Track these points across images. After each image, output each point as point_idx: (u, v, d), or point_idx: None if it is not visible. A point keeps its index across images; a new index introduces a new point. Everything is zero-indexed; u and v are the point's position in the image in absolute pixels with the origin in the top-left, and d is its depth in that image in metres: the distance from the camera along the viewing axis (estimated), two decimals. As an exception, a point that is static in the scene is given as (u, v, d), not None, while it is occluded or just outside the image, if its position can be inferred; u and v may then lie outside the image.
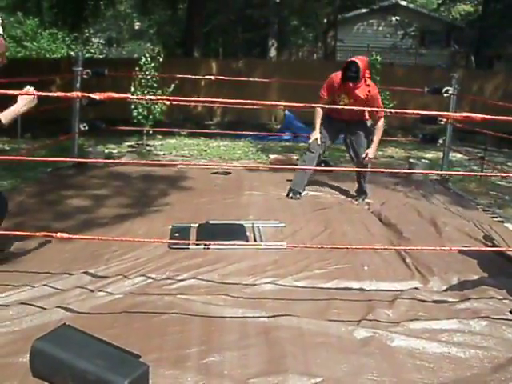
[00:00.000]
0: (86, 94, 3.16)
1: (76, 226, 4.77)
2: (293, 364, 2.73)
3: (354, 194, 6.18)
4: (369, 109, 5.64)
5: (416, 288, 3.74)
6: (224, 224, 4.92)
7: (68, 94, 2.98)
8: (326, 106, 5.79)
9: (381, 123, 5.86)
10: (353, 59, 5.60)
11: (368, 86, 5.67)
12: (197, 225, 4.83)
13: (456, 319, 3.28)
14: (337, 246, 4.38)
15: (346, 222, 5.20)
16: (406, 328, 3.17)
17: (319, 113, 5.90)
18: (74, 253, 4.13)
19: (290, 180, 6.21)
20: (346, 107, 5.62)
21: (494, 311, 3.43)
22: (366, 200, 6.02)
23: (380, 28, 28.46)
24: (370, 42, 26.24)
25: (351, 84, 5.57)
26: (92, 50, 28.78)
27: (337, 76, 5.72)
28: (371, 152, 5.84)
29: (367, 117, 6.09)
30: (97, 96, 2.95)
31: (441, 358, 2.88)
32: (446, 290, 3.74)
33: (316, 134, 5.91)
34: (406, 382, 2.66)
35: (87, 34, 26.74)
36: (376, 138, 5.85)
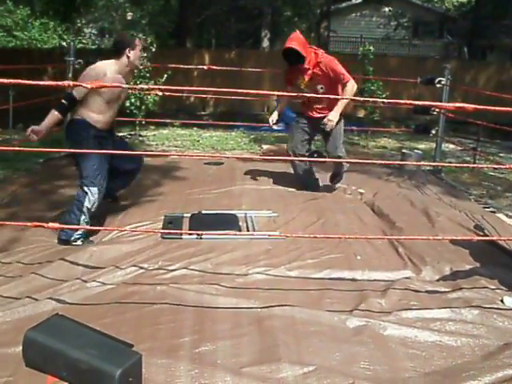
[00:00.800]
0: (77, 83, 3.15)
1: (68, 216, 4.75)
2: (285, 353, 2.74)
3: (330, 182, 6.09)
4: (333, 96, 5.49)
5: (408, 277, 3.76)
6: (216, 214, 4.92)
7: (59, 83, 2.96)
8: (307, 95, 5.42)
9: (349, 87, 5.45)
10: (287, 46, 5.30)
11: (318, 57, 5.40)
12: (189, 215, 4.83)
13: (448, 308, 3.31)
14: (329, 235, 4.39)
15: (339, 211, 5.20)
16: (398, 317, 3.19)
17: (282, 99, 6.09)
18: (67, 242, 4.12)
19: (283, 170, 6.22)
20: (320, 96, 5.48)
21: (485, 300, 3.45)
22: (359, 190, 6.00)
23: (373, 19, 28.41)
24: (363, 33, 26.23)
25: (300, 65, 5.36)
26: (84, 41, 28.53)
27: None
28: (332, 115, 5.48)
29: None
30: (88, 85, 2.94)
31: (432, 346, 2.91)
32: (438, 280, 3.76)
33: (273, 115, 5.86)
34: (398, 370, 2.68)
35: (79, 25, 26.52)
36: (340, 103, 5.47)
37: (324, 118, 5.55)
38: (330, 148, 5.73)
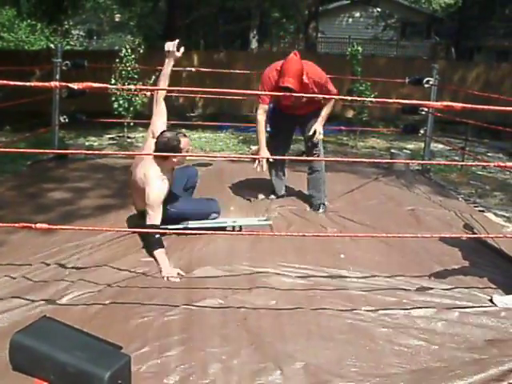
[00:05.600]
0: (64, 84, 3.13)
1: (57, 218, 4.74)
2: (272, 352, 2.76)
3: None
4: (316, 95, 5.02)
5: (395, 276, 3.77)
6: (204, 223, 4.72)
7: (46, 84, 2.95)
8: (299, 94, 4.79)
9: (331, 102, 5.19)
10: (285, 85, 4.65)
11: (308, 79, 4.90)
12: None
13: (435, 306, 3.33)
14: (316, 233, 4.40)
15: (325, 212, 5.22)
16: (384, 315, 3.21)
17: (262, 124, 5.07)
18: (57, 245, 4.10)
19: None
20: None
21: (473, 299, 3.48)
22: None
23: (361, 19, 28.54)
24: (352, 34, 26.33)
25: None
26: (72, 42, 28.44)
27: (273, 75, 4.96)
28: (319, 126, 5.16)
29: (318, 106, 5.26)
30: (75, 85, 2.92)
31: (419, 343, 2.93)
32: (426, 278, 3.77)
33: (264, 151, 5.05)
34: (384, 366, 2.70)
35: (67, 26, 26.41)
36: (324, 113, 5.16)
37: (304, 115, 5.26)
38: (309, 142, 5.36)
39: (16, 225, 3.40)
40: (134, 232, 4.27)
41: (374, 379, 2.56)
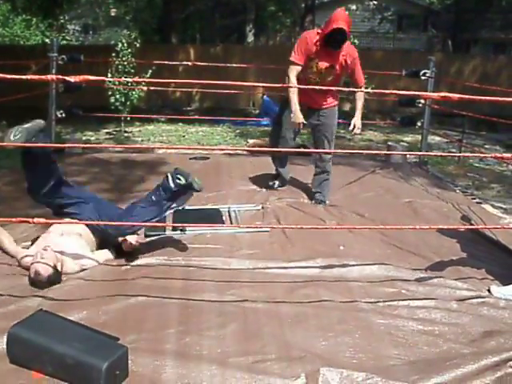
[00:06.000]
0: (61, 77, 3.11)
1: (53, 212, 4.72)
2: (271, 343, 2.75)
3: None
4: (345, 89, 5.28)
5: (393, 267, 3.76)
6: (200, 209, 4.91)
7: (43, 77, 2.93)
8: (301, 87, 4.83)
9: (363, 93, 5.23)
10: (340, 26, 4.54)
11: (347, 47, 4.87)
12: (172, 210, 4.81)
13: (434, 297, 3.33)
14: (314, 226, 4.39)
15: (323, 204, 5.22)
16: (383, 306, 3.21)
17: (295, 83, 4.88)
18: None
19: (269, 164, 6.20)
20: (320, 87, 4.91)
21: (471, 290, 3.48)
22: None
23: (358, 12, 28.48)
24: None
25: (336, 51, 4.79)
26: (68, 37, 28.37)
27: (311, 36, 4.84)
28: (358, 121, 5.09)
29: (336, 102, 5.29)
30: (72, 79, 2.91)
31: (417, 334, 2.92)
32: (424, 269, 3.77)
33: (298, 114, 4.87)
34: (382, 357, 2.69)
35: (62, 21, 26.25)
36: (360, 105, 5.12)
37: (320, 109, 5.18)
38: (321, 145, 5.30)
39: (13, 219, 3.39)
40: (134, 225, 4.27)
41: (372, 370, 2.55)
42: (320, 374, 2.49)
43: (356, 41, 11.53)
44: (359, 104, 5.12)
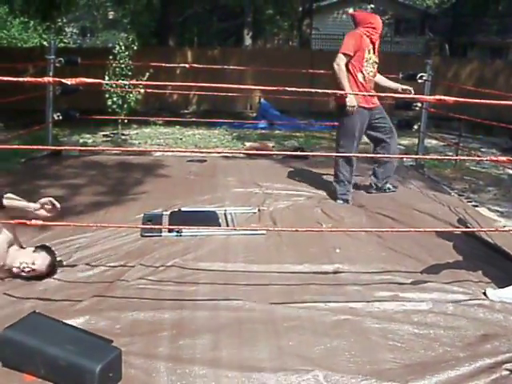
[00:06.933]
0: (57, 79, 3.10)
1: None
2: (265, 347, 2.74)
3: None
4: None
5: (389, 270, 3.76)
6: (196, 211, 4.91)
7: (39, 79, 2.93)
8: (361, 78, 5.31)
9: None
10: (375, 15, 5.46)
11: None
12: (169, 212, 4.81)
13: (429, 300, 3.32)
14: (310, 228, 4.38)
15: (320, 206, 5.21)
16: (378, 309, 3.20)
17: (344, 70, 5.15)
18: (47, 241, 4.07)
19: (266, 167, 6.22)
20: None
21: (467, 293, 3.47)
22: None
23: (355, 16, 28.53)
24: (346, 31, 26.24)
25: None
26: (65, 40, 28.34)
27: (360, 30, 5.34)
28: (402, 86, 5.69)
29: None
30: (68, 81, 2.90)
31: (413, 338, 2.91)
32: (419, 272, 3.76)
33: (353, 98, 5.12)
34: (378, 361, 2.67)
35: (60, 24, 26.21)
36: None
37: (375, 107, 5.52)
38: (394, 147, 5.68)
39: (12, 221, 3.38)
40: (127, 227, 4.26)
41: (368, 375, 2.54)
42: (315, 377, 2.48)
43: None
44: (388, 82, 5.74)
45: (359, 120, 5.29)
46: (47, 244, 3.75)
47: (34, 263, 3.39)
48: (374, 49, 5.37)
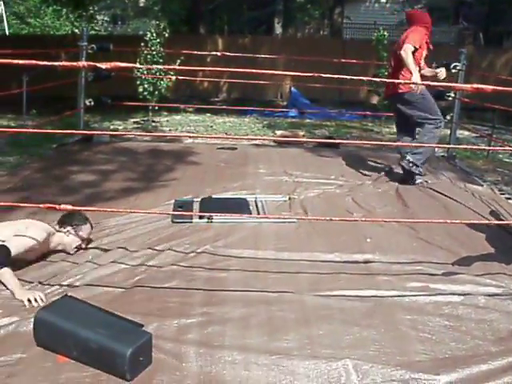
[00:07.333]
0: (92, 63, 3.11)
1: (81, 199, 4.77)
2: (295, 336, 2.74)
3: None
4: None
5: (420, 261, 3.72)
6: (227, 198, 4.92)
7: (74, 64, 2.94)
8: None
9: None
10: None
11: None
12: (200, 199, 4.82)
13: (461, 293, 3.28)
14: (342, 218, 4.35)
15: (351, 195, 5.18)
16: (409, 300, 3.17)
17: (411, 57, 5.49)
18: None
19: (296, 155, 6.19)
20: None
21: (499, 285, 3.42)
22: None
23: (388, 5, 28.13)
24: (377, 19, 25.97)
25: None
26: (96, 28, 28.46)
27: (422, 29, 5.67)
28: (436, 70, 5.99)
29: None
30: (103, 65, 2.90)
31: (443, 330, 2.88)
32: (451, 264, 3.72)
33: (418, 76, 5.49)
34: (408, 353, 2.65)
35: (92, 11, 26.33)
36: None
37: None
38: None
39: (41, 205, 3.42)
40: (158, 214, 4.28)
41: (398, 365, 2.52)
42: (344, 366, 2.48)
43: (385, 33, 11.39)
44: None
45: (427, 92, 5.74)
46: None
47: (83, 240, 3.67)
48: (427, 47, 5.74)
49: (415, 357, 2.63)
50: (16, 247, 3.22)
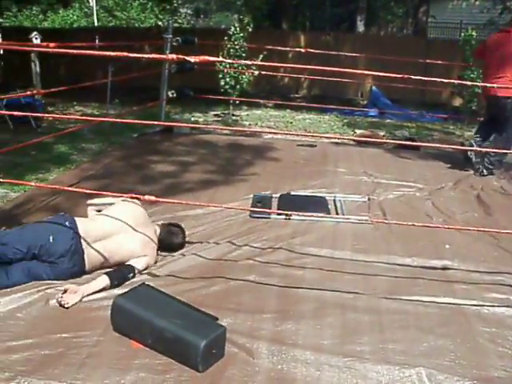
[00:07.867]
0: (181, 56, 3.15)
1: (160, 190, 4.86)
2: (369, 339, 2.70)
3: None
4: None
5: (502, 272, 3.57)
6: (305, 196, 4.90)
7: (163, 56, 2.99)
8: None
9: None
10: None
11: None
12: (278, 195, 4.82)
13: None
14: (420, 223, 4.24)
15: (431, 199, 5.05)
16: (488, 311, 3.06)
17: None
18: (159, 214, 4.21)
19: (376, 155, 6.08)
20: None
21: None
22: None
23: (477, 3, 27.22)
24: (464, 18, 25.17)
25: None
26: (180, 20, 28.93)
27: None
28: None
29: None
30: (192, 59, 2.93)
31: (526, 346, 2.75)
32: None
33: None
34: (486, 367, 2.55)
35: (175, 4, 26.82)
36: None
37: None
38: None
39: (124, 195, 3.51)
40: (236, 209, 4.32)
41: (475, 379, 2.43)
42: (418, 375, 2.42)
43: (474, 33, 11.04)
44: None
45: None
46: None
47: None
48: None
49: (493, 372, 2.53)
50: (139, 270, 3.27)
